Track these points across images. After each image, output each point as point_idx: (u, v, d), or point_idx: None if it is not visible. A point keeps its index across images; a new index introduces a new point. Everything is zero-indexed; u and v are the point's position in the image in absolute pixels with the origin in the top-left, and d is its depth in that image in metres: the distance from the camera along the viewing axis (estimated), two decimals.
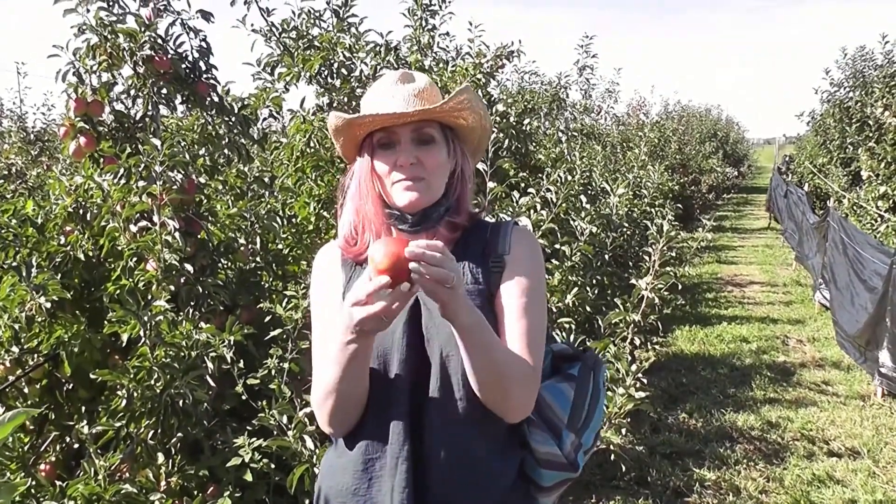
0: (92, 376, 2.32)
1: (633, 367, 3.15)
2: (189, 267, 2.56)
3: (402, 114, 1.44)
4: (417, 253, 1.21)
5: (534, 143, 5.75)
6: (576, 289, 3.69)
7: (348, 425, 1.47)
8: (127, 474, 2.35)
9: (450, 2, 4.66)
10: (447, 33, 4.77)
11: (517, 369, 1.40)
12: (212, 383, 2.47)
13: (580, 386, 1.58)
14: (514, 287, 1.48)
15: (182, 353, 2.37)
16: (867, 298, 5.82)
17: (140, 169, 2.61)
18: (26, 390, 2.57)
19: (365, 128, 1.48)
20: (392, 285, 1.21)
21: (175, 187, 2.60)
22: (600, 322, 3.60)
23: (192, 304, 2.65)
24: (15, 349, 2.50)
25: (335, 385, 1.40)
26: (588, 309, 3.96)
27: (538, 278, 1.52)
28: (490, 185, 3.42)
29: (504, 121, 5.04)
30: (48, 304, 2.46)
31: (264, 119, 3.77)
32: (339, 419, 1.45)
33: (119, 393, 2.34)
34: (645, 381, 3.25)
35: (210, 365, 2.40)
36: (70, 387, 2.63)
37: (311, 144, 3.88)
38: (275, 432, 2.33)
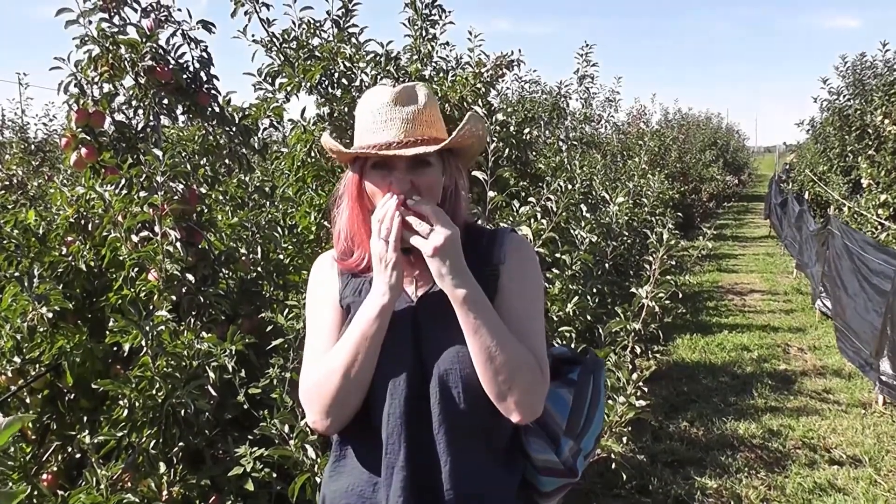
0: (94, 386, 2.33)
1: (634, 376, 3.15)
2: (190, 277, 2.57)
3: (400, 153, 1.40)
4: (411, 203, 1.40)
5: (534, 152, 5.75)
6: (576, 298, 3.69)
7: (343, 418, 1.44)
8: (129, 484, 2.35)
9: (450, 12, 4.67)
10: (447, 43, 4.77)
11: (522, 356, 1.39)
12: (213, 393, 2.47)
13: (579, 391, 1.58)
14: (511, 295, 1.48)
15: (183, 363, 2.37)
16: (881, 303, 5.76)
17: (141, 179, 2.63)
18: (28, 400, 2.58)
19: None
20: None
21: (176, 197, 2.61)
22: (601, 331, 3.60)
23: (193, 313, 2.66)
24: (17, 359, 2.51)
25: (349, 366, 1.39)
26: (588, 318, 3.96)
27: (535, 286, 1.53)
28: (490, 194, 3.43)
29: (504, 130, 5.04)
30: (50, 315, 2.47)
31: (265, 129, 3.78)
32: (338, 406, 1.42)
33: (121, 403, 2.34)
34: (646, 389, 3.25)
35: (211, 374, 2.40)
36: (72, 397, 2.63)
37: (312, 154, 3.89)
38: (276, 441, 2.32)
